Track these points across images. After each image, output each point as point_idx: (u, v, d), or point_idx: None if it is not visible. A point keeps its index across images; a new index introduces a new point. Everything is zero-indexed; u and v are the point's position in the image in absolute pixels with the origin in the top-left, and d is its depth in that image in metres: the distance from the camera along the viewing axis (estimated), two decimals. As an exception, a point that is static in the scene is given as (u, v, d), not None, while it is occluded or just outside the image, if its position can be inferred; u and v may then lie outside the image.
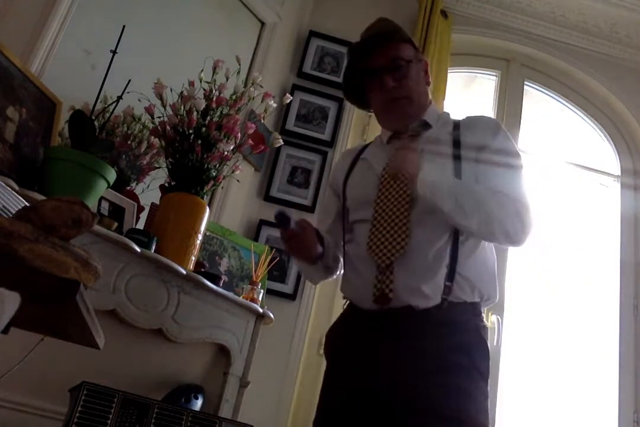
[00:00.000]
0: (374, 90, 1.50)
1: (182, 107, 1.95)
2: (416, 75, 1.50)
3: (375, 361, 1.30)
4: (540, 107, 3.60)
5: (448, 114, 1.58)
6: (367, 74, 1.50)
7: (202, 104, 1.94)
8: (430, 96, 1.58)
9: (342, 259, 1.54)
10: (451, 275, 1.31)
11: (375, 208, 1.40)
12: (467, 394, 1.25)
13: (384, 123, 1.58)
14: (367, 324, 1.36)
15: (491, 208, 1.32)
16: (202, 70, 2.02)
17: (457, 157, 1.41)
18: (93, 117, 1.78)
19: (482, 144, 1.43)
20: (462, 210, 1.31)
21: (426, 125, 1.50)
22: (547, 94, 3.63)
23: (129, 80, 1.81)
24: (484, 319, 1.39)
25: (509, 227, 1.33)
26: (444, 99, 3.12)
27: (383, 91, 1.47)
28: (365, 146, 1.65)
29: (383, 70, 1.46)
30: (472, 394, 1.26)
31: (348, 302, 1.46)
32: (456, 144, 1.43)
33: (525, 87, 3.56)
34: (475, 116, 1.52)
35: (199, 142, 1.93)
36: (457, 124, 1.49)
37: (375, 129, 3.28)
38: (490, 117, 1.55)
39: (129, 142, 2.03)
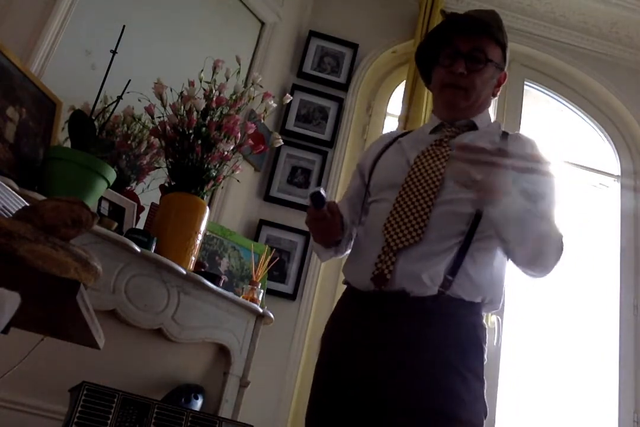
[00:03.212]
0: (442, 66, 1.47)
1: (182, 107, 1.95)
2: (488, 78, 1.48)
3: (362, 348, 1.27)
4: (540, 107, 3.60)
5: (499, 124, 1.57)
6: (446, 49, 1.47)
7: (202, 104, 1.94)
8: (490, 107, 1.56)
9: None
10: (454, 269, 1.29)
11: (400, 191, 1.38)
12: (453, 393, 1.21)
13: (435, 106, 1.56)
14: (360, 306, 1.34)
15: (545, 242, 1.32)
16: (202, 70, 2.02)
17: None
18: (93, 117, 1.78)
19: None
20: (524, 239, 1.29)
21: (473, 127, 1.48)
22: (547, 94, 3.62)
23: (129, 80, 1.81)
24: (483, 320, 1.36)
25: (550, 262, 1.34)
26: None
27: (448, 71, 1.45)
28: (407, 133, 1.61)
29: (462, 54, 1.44)
30: (460, 394, 1.21)
31: (347, 287, 1.44)
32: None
33: (525, 87, 3.55)
34: (520, 133, 1.52)
35: (199, 142, 1.93)
36: (505, 134, 1.48)
37: (375, 129, 3.30)
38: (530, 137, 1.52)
39: (129, 142, 2.03)
